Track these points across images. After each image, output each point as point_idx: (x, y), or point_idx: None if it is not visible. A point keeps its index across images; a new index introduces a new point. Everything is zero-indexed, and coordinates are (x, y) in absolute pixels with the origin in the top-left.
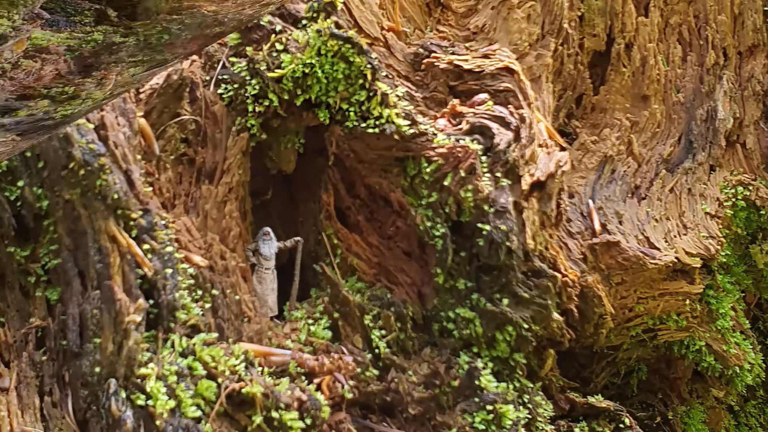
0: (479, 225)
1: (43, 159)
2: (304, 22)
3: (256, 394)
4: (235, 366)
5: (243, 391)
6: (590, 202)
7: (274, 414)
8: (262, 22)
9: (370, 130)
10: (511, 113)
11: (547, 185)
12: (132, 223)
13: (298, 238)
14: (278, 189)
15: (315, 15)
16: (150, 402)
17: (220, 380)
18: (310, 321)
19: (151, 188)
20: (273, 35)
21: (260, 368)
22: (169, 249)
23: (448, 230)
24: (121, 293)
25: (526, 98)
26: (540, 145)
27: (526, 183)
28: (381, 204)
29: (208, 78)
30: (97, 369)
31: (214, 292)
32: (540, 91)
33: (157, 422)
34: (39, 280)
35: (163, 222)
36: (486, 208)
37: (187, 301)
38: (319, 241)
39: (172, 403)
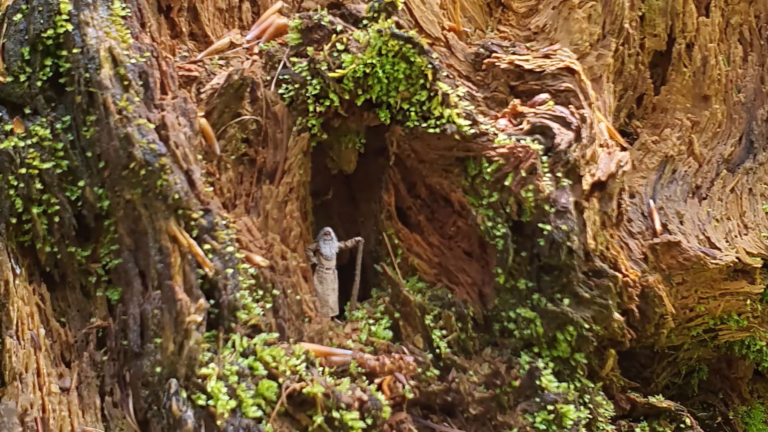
0: (540, 225)
1: (104, 159)
2: (364, 22)
3: (317, 394)
4: (296, 366)
5: (304, 391)
6: (651, 202)
7: (335, 414)
8: (323, 23)
9: (431, 130)
10: (572, 113)
11: (608, 185)
12: (193, 223)
13: (359, 238)
14: (339, 189)
15: (376, 15)
16: (211, 402)
17: (281, 380)
18: (371, 321)
19: (211, 188)
20: (334, 35)
21: (321, 368)
22: (230, 249)
23: (509, 230)
24: (182, 293)
25: (587, 98)
26: (601, 145)
27: (587, 183)
28: (442, 204)
29: (269, 78)
30: (158, 369)
31: (275, 292)
32: (601, 91)
33: (218, 422)
34: (100, 280)
35: (224, 222)
36: (547, 208)
37: (247, 301)
38: (379, 241)
39: (233, 403)
